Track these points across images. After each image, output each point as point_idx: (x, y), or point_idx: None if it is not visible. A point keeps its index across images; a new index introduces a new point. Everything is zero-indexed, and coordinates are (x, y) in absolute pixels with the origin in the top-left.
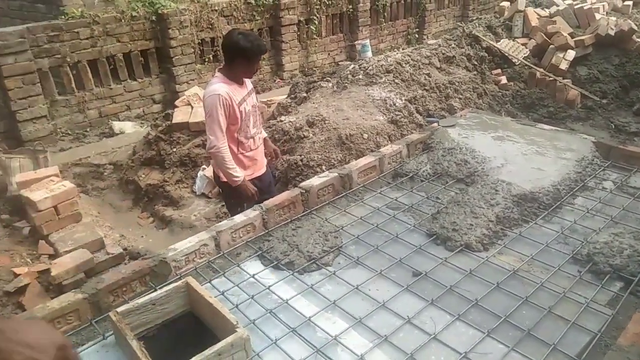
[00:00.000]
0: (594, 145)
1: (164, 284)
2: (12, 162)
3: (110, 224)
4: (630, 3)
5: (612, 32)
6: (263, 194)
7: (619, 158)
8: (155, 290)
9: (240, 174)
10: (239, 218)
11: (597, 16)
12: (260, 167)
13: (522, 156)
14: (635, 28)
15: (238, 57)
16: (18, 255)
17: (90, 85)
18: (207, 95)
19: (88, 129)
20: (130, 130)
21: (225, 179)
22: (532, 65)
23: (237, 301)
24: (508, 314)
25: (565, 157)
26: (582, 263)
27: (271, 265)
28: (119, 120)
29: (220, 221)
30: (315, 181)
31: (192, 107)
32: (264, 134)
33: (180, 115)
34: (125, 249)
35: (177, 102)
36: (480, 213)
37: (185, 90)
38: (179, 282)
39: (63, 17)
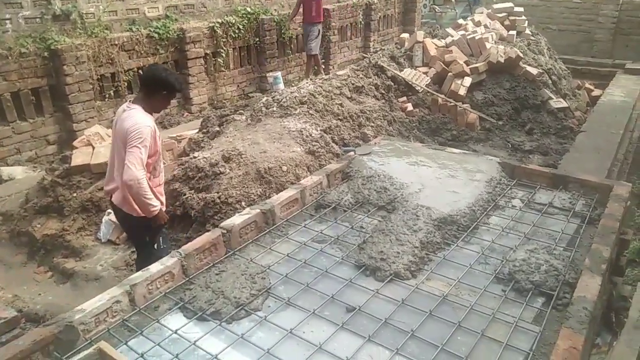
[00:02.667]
0: (500, 165)
1: (72, 352)
2: None
3: (1, 284)
4: (514, 32)
5: (502, 59)
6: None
7: (522, 176)
8: None
9: (157, 203)
10: (155, 267)
11: (488, 45)
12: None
13: (437, 180)
14: (522, 55)
15: (161, 91)
16: None
17: None
18: (141, 125)
19: None
20: (20, 175)
21: (138, 214)
22: (434, 92)
23: None
24: (444, 342)
25: (476, 179)
26: (505, 282)
27: (195, 317)
28: (8, 165)
29: (130, 269)
30: (236, 219)
31: (93, 148)
32: None
33: (80, 157)
34: (20, 311)
35: (75, 143)
36: (405, 240)
37: (84, 129)
38: (90, 349)
39: None
